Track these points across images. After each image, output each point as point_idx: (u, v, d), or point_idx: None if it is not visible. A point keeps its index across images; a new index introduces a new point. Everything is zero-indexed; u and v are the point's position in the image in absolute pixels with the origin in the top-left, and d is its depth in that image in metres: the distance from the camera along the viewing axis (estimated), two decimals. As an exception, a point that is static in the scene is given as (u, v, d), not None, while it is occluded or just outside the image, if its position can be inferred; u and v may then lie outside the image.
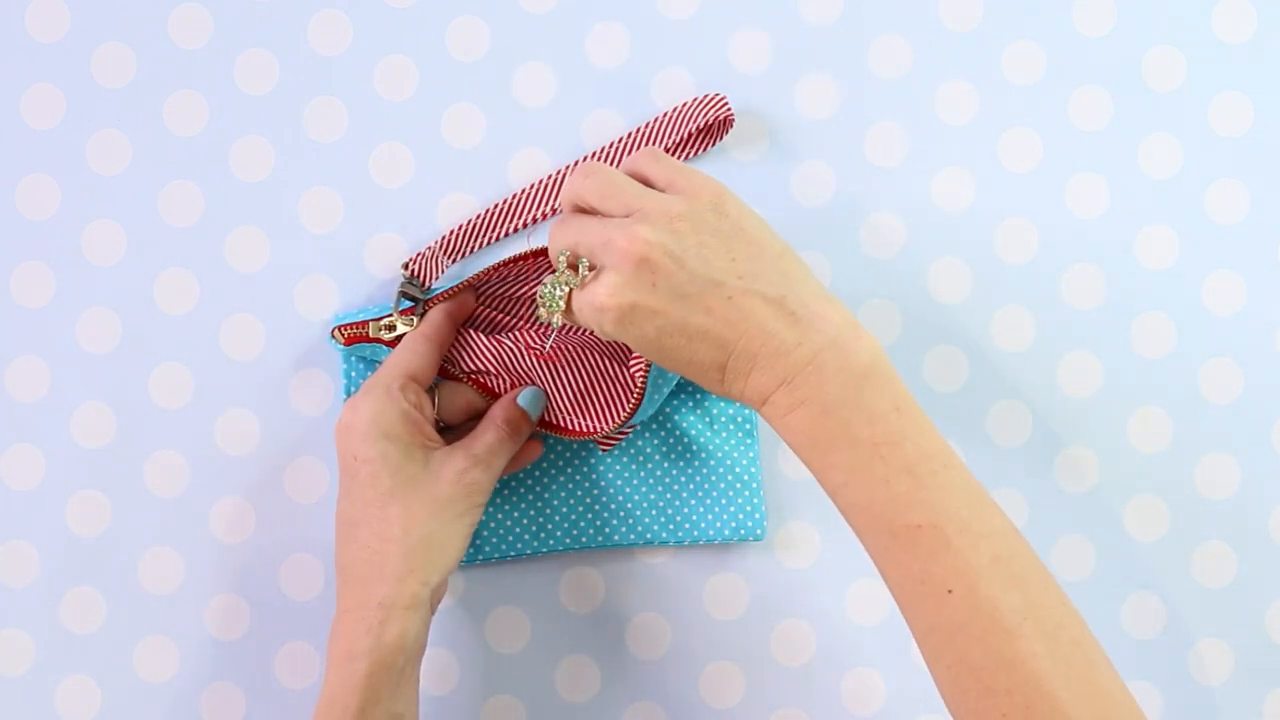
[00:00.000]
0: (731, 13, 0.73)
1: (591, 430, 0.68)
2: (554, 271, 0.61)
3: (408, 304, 0.69)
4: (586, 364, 0.70)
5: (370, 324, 0.69)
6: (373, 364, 0.70)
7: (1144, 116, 0.73)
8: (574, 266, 0.60)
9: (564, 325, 0.67)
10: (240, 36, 0.73)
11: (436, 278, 0.71)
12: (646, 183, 0.61)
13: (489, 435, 0.67)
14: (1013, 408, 0.73)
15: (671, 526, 0.71)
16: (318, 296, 0.72)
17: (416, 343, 0.67)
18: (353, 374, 0.70)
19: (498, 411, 0.68)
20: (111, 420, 0.72)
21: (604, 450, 0.71)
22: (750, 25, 0.73)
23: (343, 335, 0.69)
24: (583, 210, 0.61)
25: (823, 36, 0.73)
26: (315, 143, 0.73)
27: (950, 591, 0.56)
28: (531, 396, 0.69)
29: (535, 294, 0.64)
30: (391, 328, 0.69)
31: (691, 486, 0.71)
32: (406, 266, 0.70)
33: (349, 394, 0.70)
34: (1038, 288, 0.73)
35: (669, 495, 0.71)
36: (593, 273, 0.59)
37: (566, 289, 0.60)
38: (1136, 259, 0.73)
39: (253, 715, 0.71)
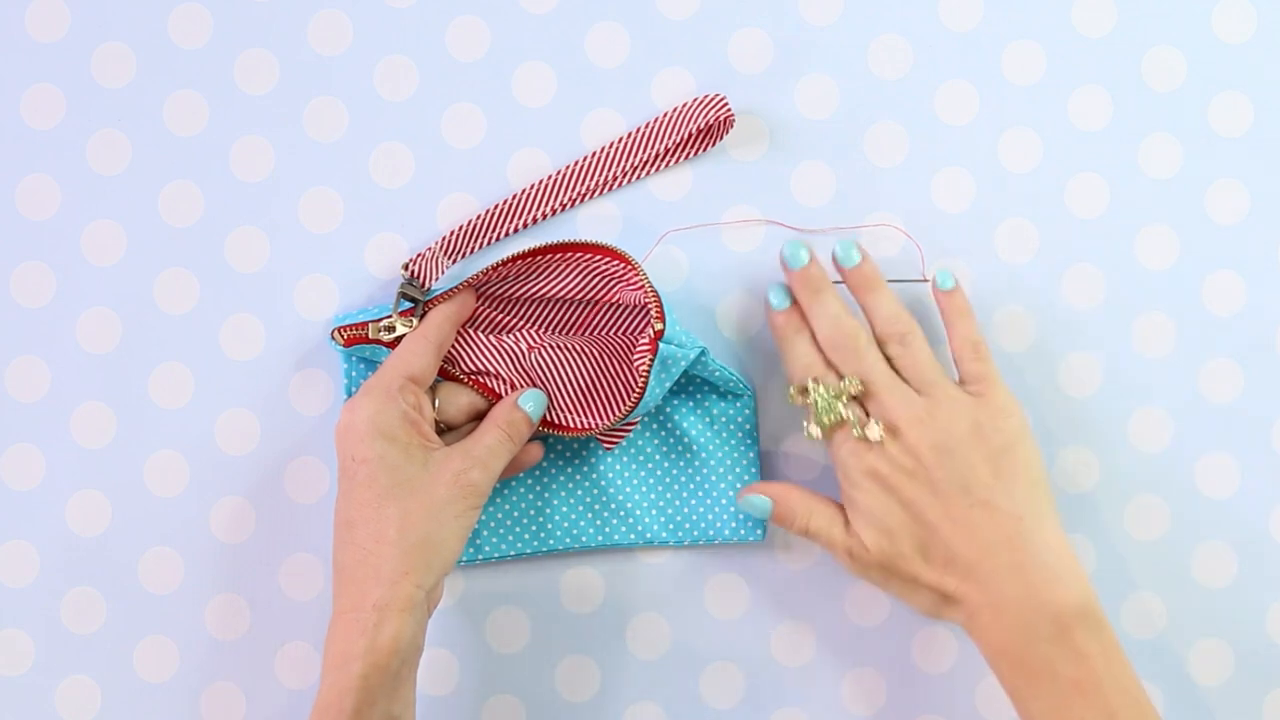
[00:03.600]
0: (731, 13, 0.73)
1: (593, 426, 0.68)
2: (834, 379, 0.66)
3: (407, 305, 0.69)
4: (589, 360, 0.70)
5: (370, 325, 0.69)
6: (373, 365, 0.70)
7: (1144, 116, 0.73)
8: (857, 403, 0.66)
9: (586, 327, 0.68)
10: (240, 36, 0.73)
11: (436, 279, 0.71)
12: (959, 365, 0.67)
13: (489, 437, 0.66)
14: (1013, 408, 0.73)
15: (671, 526, 0.71)
16: (318, 296, 0.72)
17: (415, 344, 0.67)
18: (353, 374, 0.70)
19: (499, 413, 0.68)
20: (111, 420, 0.72)
21: (607, 448, 0.71)
22: (750, 25, 0.73)
23: (342, 336, 0.69)
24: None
25: (823, 36, 0.73)
26: (315, 143, 0.72)
27: None
28: (533, 399, 0.68)
29: (799, 382, 0.67)
30: (391, 329, 0.68)
31: (691, 487, 0.71)
32: (406, 267, 0.70)
33: (349, 395, 0.70)
34: (1039, 288, 0.73)
35: (669, 495, 0.71)
36: (869, 429, 0.64)
37: (838, 420, 0.65)
38: (1136, 259, 0.73)
39: (253, 715, 0.71)
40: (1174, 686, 0.72)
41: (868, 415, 0.65)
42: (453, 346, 0.70)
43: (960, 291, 0.69)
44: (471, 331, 0.70)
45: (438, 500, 0.64)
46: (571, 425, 0.69)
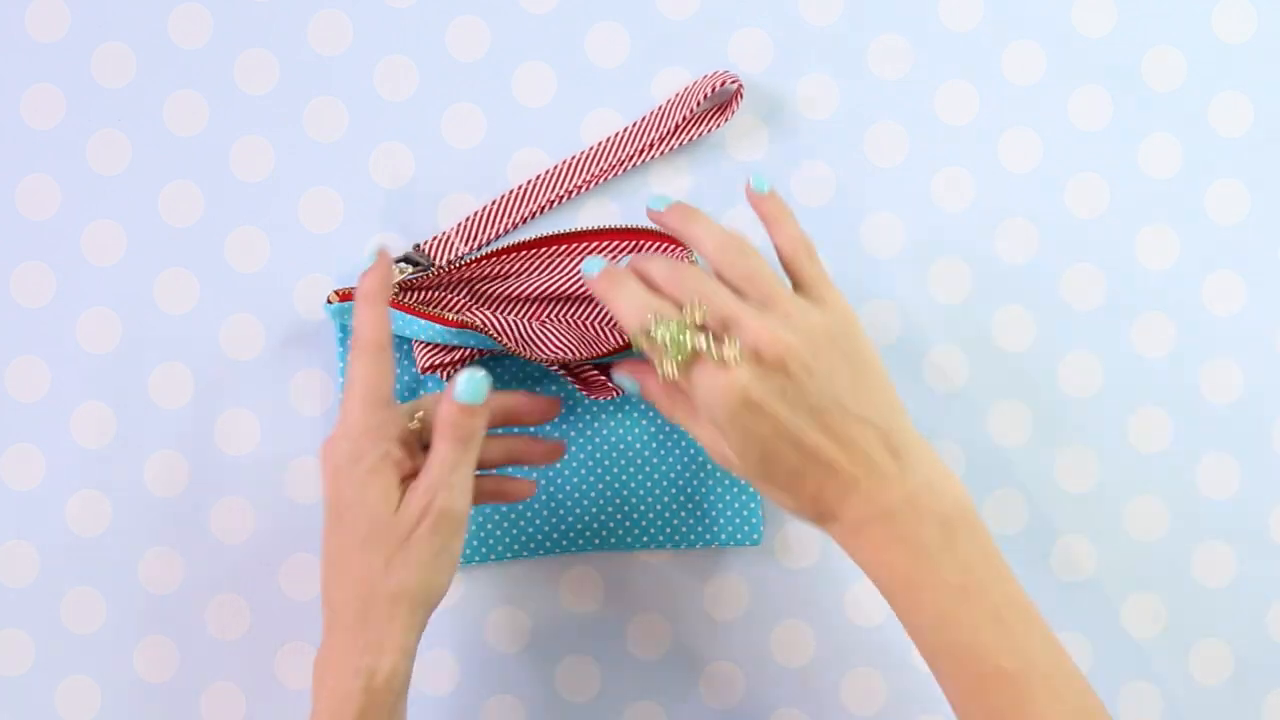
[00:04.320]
0: (731, 13, 0.73)
1: (603, 351, 0.67)
2: (673, 310, 0.59)
3: (413, 273, 0.69)
4: (573, 301, 0.70)
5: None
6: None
7: (1144, 116, 0.73)
8: (705, 330, 0.59)
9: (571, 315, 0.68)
10: (240, 36, 0.73)
11: (449, 260, 0.71)
12: (791, 271, 0.62)
13: (439, 450, 0.61)
14: (1013, 408, 0.73)
15: (669, 530, 0.71)
16: (318, 296, 0.72)
17: (363, 360, 0.62)
18: (347, 341, 0.70)
19: (439, 419, 0.61)
20: (111, 420, 0.72)
21: (608, 396, 0.69)
22: (750, 25, 0.73)
23: (337, 295, 0.69)
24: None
25: (823, 36, 0.73)
26: (315, 143, 0.73)
27: None
28: (466, 383, 0.61)
29: (636, 320, 0.60)
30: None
31: (689, 491, 0.71)
32: (418, 248, 0.70)
33: (343, 361, 0.70)
34: (1038, 288, 0.73)
35: (666, 499, 0.71)
36: (726, 349, 0.58)
37: (693, 349, 0.59)
38: (1136, 259, 0.73)
39: (253, 715, 0.71)
40: (1174, 686, 0.72)
41: (717, 342, 0.59)
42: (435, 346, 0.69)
43: (777, 195, 0.63)
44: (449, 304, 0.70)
45: (416, 543, 0.61)
46: (581, 354, 0.67)
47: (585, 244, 0.70)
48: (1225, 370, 0.73)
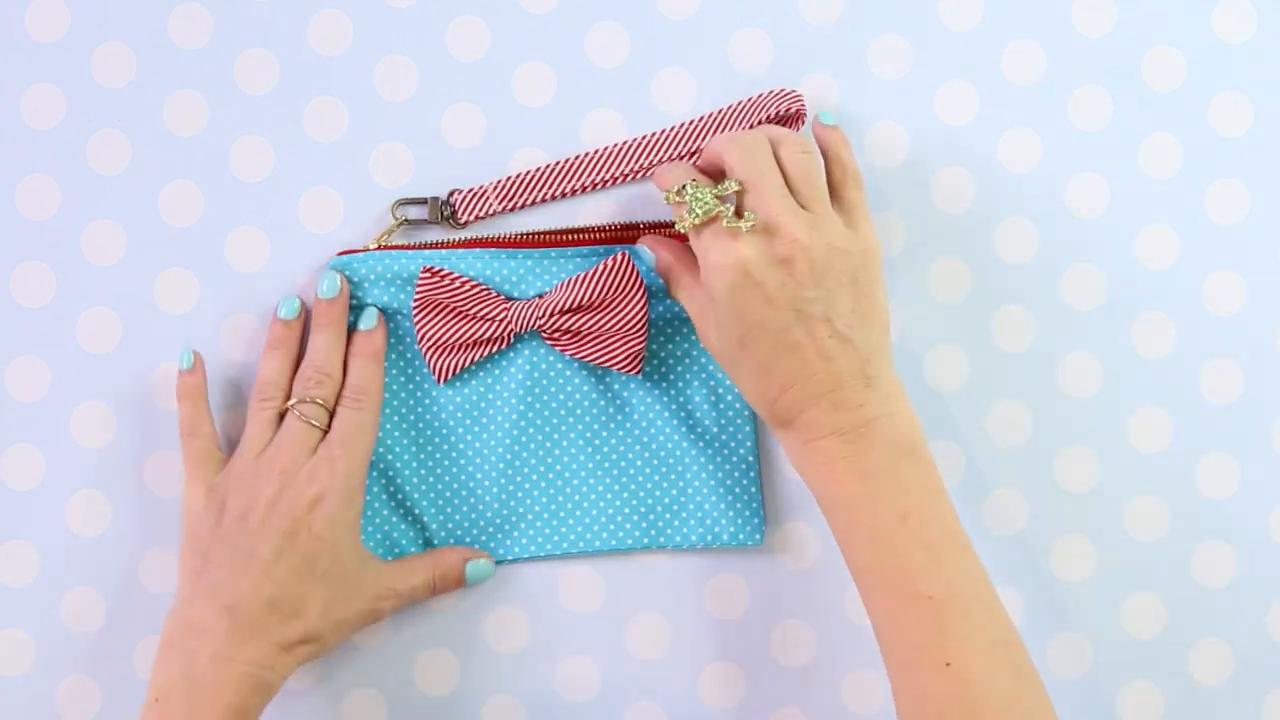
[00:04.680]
0: (731, 13, 0.73)
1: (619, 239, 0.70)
2: (710, 182, 0.64)
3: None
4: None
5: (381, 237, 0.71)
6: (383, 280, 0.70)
7: (1144, 116, 0.73)
8: (728, 201, 0.63)
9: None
10: (240, 36, 0.73)
11: (476, 217, 0.71)
12: (836, 194, 0.66)
13: (418, 582, 0.69)
14: (1013, 408, 0.73)
15: (669, 531, 0.71)
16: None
17: (357, 423, 0.68)
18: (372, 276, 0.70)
19: (443, 566, 0.70)
20: (111, 420, 0.72)
21: (617, 367, 0.70)
22: (750, 25, 0.73)
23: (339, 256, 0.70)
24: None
25: (823, 36, 0.73)
26: (315, 143, 0.73)
27: (948, 665, 0.59)
28: (479, 571, 0.70)
29: (675, 183, 0.64)
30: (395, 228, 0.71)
31: (690, 491, 0.71)
32: (453, 194, 0.71)
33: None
34: (1038, 288, 0.73)
35: (666, 500, 0.71)
36: (741, 220, 0.62)
37: (713, 213, 0.62)
38: (1136, 259, 0.73)
39: (253, 715, 0.71)
40: (1174, 686, 0.72)
41: (739, 214, 0.63)
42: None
43: (839, 129, 0.68)
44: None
45: (351, 608, 0.67)
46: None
47: (586, 244, 0.70)
48: (1225, 370, 0.73)
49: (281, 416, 0.69)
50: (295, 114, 0.73)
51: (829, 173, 0.67)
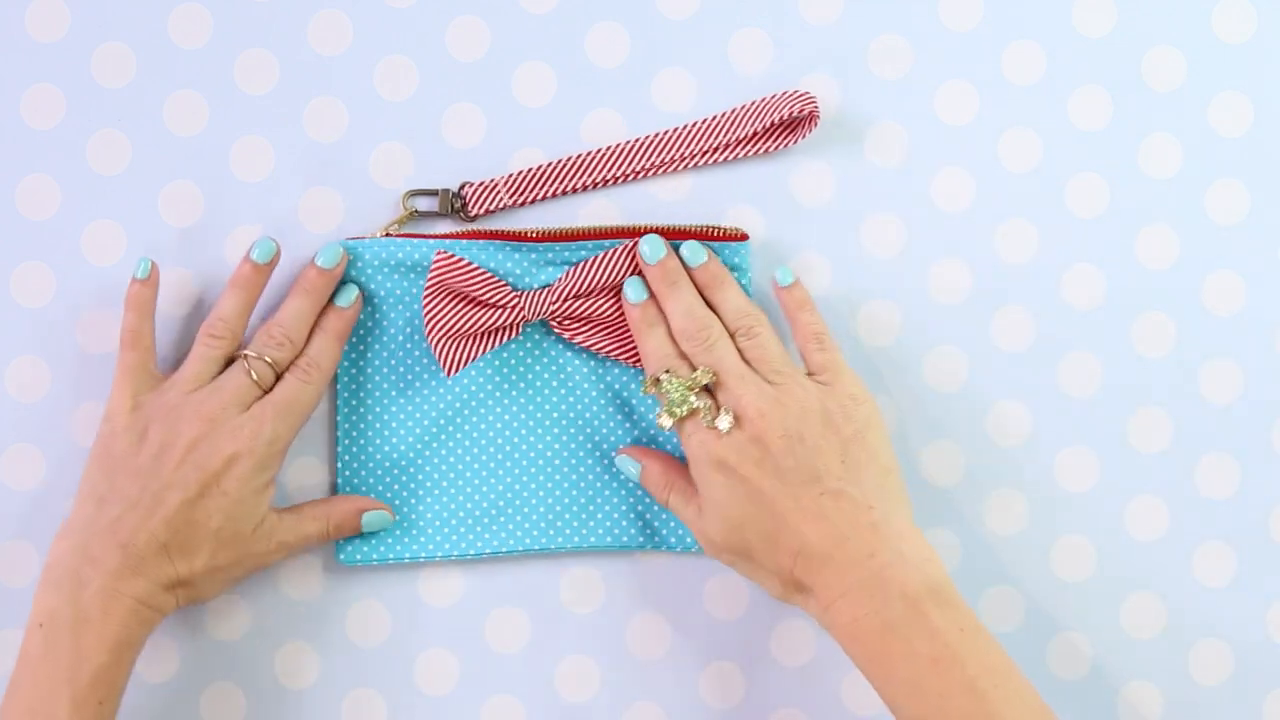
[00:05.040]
0: (731, 13, 0.73)
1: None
2: (686, 369, 0.67)
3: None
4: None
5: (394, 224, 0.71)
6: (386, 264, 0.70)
7: (1144, 116, 0.73)
8: (709, 393, 0.66)
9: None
10: (240, 36, 0.73)
11: (486, 210, 0.71)
12: (804, 356, 0.69)
13: (311, 531, 0.68)
14: (1013, 408, 0.73)
15: (664, 533, 0.71)
16: (318, 296, 0.72)
17: (300, 400, 0.68)
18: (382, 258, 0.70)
19: (338, 515, 0.69)
20: (111, 420, 0.72)
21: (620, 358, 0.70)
22: (750, 25, 0.73)
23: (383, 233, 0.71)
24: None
25: (823, 36, 0.73)
26: (315, 142, 0.72)
27: None
28: (375, 521, 0.69)
29: (655, 366, 0.67)
30: (410, 217, 0.71)
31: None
32: (464, 186, 0.71)
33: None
34: (1038, 288, 0.73)
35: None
36: (719, 417, 0.65)
37: (689, 410, 0.65)
38: (1136, 259, 0.73)
39: (253, 715, 0.71)
40: (1174, 686, 0.72)
41: (718, 406, 0.65)
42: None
43: (800, 285, 0.70)
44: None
45: (239, 564, 0.67)
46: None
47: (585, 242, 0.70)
48: (1225, 370, 0.73)
49: (228, 360, 0.68)
50: (295, 114, 0.73)
51: (795, 336, 0.70)
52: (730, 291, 0.69)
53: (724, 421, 0.64)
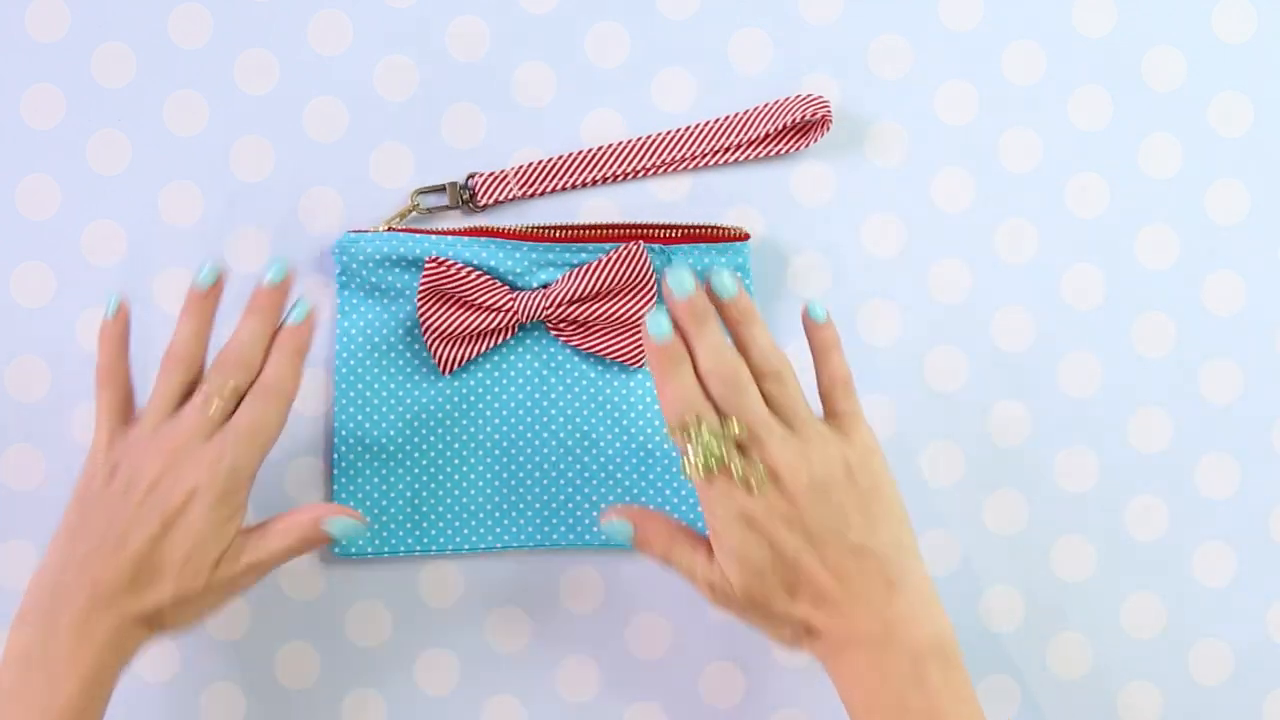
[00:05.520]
0: (731, 13, 0.73)
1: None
2: (715, 421, 0.61)
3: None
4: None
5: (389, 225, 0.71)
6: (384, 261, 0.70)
7: (1144, 116, 0.73)
8: (744, 450, 0.61)
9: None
10: (240, 36, 0.73)
11: (495, 201, 0.71)
12: (826, 402, 0.65)
13: (276, 546, 0.65)
14: (1013, 408, 0.73)
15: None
16: (317, 297, 0.72)
17: (265, 424, 0.65)
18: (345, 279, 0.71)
19: (301, 523, 0.65)
20: (111, 420, 0.72)
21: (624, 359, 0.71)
22: (750, 25, 0.73)
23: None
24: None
25: (823, 36, 0.73)
26: (315, 143, 0.73)
27: None
28: (342, 528, 0.65)
29: (684, 410, 0.61)
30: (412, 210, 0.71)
31: (683, 494, 0.71)
32: (472, 176, 0.71)
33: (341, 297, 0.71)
34: (1038, 288, 0.73)
35: (660, 500, 0.71)
36: (751, 472, 0.61)
37: (719, 465, 0.61)
38: (1136, 259, 0.73)
39: (253, 715, 0.71)
40: (1174, 686, 0.72)
41: (746, 458, 0.62)
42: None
43: (832, 325, 0.65)
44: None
45: (205, 598, 0.64)
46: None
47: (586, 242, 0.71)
48: (1225, 370, 0.73)
49: (191, 387, 0.66)
50: (295, 114, 0.73)
51: (819, 378, 0.65)
52: (758, 329, 0.64)
53: (758, 478, 0.61)
